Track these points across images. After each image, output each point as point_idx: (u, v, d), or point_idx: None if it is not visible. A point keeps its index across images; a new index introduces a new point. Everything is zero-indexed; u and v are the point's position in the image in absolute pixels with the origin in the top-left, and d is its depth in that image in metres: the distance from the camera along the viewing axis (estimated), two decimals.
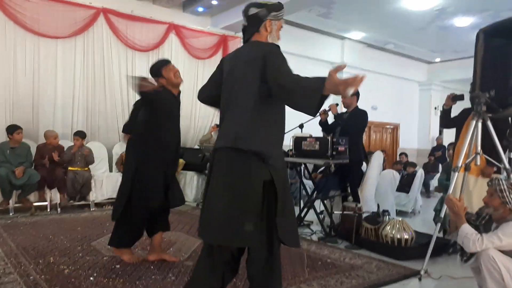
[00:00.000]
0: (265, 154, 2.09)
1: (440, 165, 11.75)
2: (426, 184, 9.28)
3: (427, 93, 13.16)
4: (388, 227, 3.95)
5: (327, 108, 5.14)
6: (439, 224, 3.30)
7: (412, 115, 13.18)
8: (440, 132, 13.60)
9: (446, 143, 12.71)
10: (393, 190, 7.04)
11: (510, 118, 3.89)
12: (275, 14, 2.22)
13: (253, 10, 2.23)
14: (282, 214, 2.08)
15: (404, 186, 7.64)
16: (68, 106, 6.36)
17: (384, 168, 9.75)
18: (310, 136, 4.81)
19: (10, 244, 3.89)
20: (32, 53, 6.06)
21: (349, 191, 4.82)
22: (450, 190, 3.30)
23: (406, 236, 3.85)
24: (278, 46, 2.18)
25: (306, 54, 9.62)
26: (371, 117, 11.45)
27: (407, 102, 12.90)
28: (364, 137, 12.02)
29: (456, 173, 3.33)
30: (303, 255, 3.75)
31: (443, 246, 3.89)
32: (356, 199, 4.72)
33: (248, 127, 2.12)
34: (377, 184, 5.84)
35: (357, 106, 5.10)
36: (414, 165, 8.59)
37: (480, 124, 3.38)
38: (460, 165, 3.32)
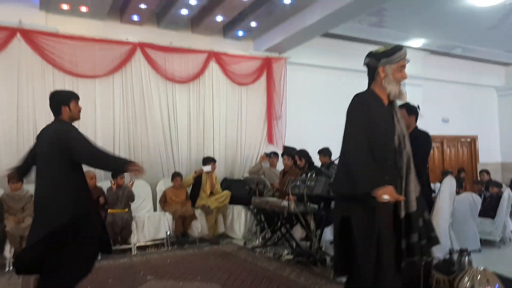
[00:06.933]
0: (344, 194, 2.52)
1: None
2: None
3: (507, 99, 11.60)
4: (466, 278, 3.08)
5: None
6: None
7: (491, 124, 11.66)
8: None
9: None
10: (475, 217, 6.00)
11: None
12: (386, 60, 2.47)
13: (366, 60, 2.58)
14: (357, 247, 2.42)
15: (488, 210, 6.51)
16: (108, 145, 6.17)
17: (464, 189, 8.59)
18: None
19: None
20: None
21: None
22: None
23: None
24: (353, 99, 2.55)
25: (362, 69, 8.83)
26: (443, 130, 10.56)
27: (484, 110, 11.46)
28: (436, 153, 10.82)
29: None
30: None
31: None
32: None
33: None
34: (451, 214, 4.91)
35: (416, 127, 4.25)
36: (498, 184, 7.32)
37: None
38: None
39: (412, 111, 4.37)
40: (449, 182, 4.75)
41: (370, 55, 2.55)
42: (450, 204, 4.69)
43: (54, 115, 3.14)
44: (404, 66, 2.50)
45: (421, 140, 4.09)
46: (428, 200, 4.27)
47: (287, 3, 6.00)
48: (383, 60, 2.47)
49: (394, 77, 2.48)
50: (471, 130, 11.17)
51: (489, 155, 11.30)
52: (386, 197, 2.26)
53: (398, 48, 2.50)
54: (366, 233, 2.39)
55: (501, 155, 11.59)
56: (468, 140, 11.34)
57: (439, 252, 4.34)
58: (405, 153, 2.48)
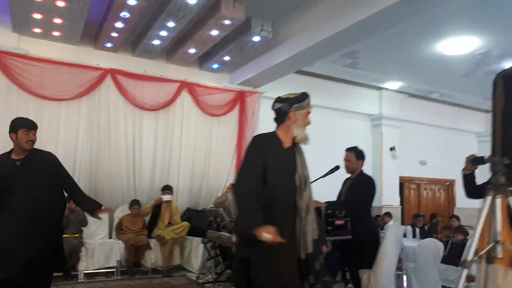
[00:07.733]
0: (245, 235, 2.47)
1: None
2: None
3: (487, 145, 11.56)
4: None
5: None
6: None
7: None
8: None
9: None
10: (436, 263, 5.87)
11: None
12: (297, 105, 2.59)
13: (277, 105, 2.63)
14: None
15: (453, 257, 6.38)
16: (69, 168, 5.98)
17: (438, 234, 8.48)
18: None
19: None
20: (35, 117, 5.96)
21: (347, 277, 3.88)
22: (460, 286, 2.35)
23: None
24: (251, 140, 2.69)
25: (341, 107, 8.96)
26: (420, 173, 10.51)
27: (463, 155, 11.18)
28: (413, 195, 10.77)
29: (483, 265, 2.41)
30: None
31: None
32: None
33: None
34: (398, 260, 4.80)
35: (361, 172, 4.22)
36: (464, 231, 7.24)
37: (498, 202, 2.46)
38: (479, 254, 2.40)
39: (360, 155, 4.35)
40: (395, 228, 4.68)
41: (281, 100, 2.62)
42: (396, 251, 4.59)
43: None
44: (309, 113, 2.65)
45: (363, 185, 4.06)
46: (374, 244, 4.21)
47: (256, 41, 6.10)
48: (295, 106, 2.58)
49: (302, 122, 2.61)
50: (449, 174, 11.14)
51: (467, 200, 11.02)
52: (268, 236, 2.26)
53: (306, 95, 2.64)
54: (264, 275, 2.37)
55: (479, 200, 11.52)
56: (446, 184, 11.32)
57: None
58: (306, 195, 2.52)
